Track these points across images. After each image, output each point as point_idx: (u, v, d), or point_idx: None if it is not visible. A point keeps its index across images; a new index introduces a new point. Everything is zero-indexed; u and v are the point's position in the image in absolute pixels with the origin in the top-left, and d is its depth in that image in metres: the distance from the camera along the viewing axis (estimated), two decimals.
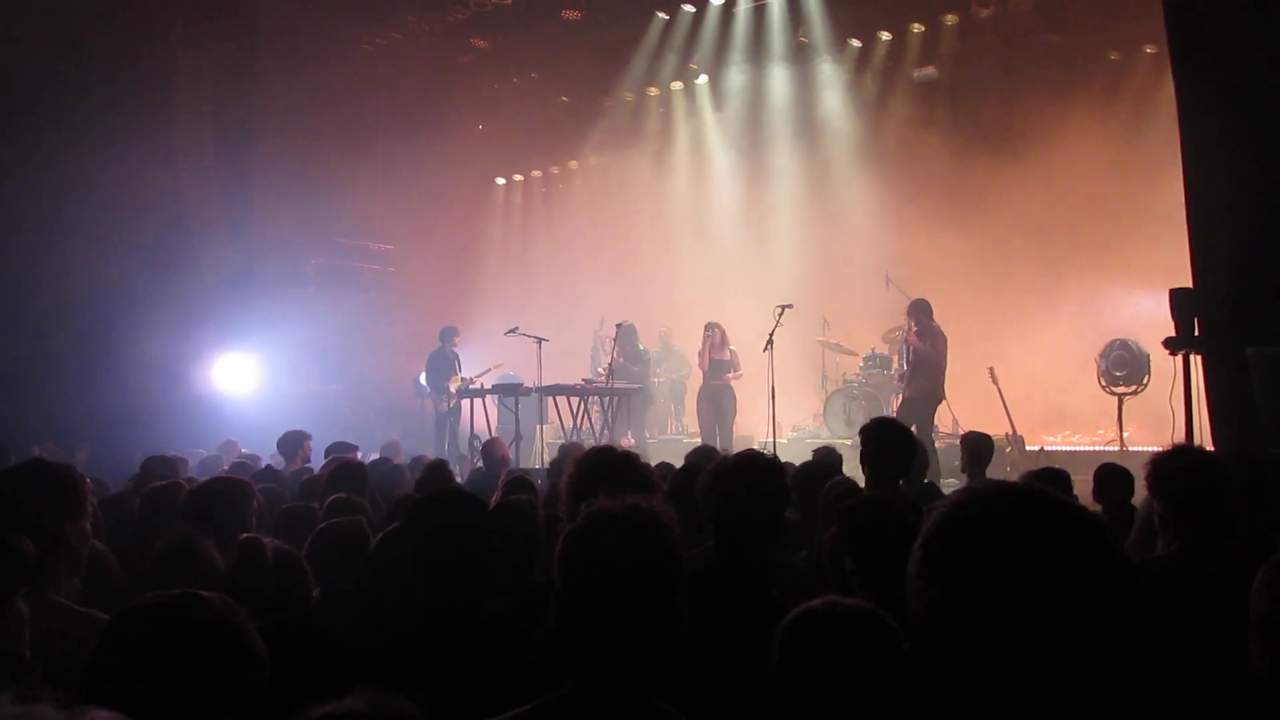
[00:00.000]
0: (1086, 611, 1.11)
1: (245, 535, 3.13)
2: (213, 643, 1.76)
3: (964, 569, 1.15)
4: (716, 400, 12.55)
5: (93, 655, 1.77)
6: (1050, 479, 4.95)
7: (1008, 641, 1.11)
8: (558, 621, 1.85)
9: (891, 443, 4.55)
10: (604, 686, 1.82)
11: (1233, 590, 3.00)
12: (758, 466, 2.99)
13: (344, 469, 5.47)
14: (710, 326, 12.78)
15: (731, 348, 12.77)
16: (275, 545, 3.11)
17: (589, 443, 11.29)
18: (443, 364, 14.11)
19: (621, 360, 13.26)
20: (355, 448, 8.32)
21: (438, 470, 5.56)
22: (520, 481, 4.98)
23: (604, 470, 3.06)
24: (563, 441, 10.36)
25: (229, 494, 3.80)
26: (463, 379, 13.80)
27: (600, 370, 13.68)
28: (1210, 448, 6.57)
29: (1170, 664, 2.40)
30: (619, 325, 13.48)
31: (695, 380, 13.60)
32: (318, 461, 7.88)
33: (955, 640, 1.15)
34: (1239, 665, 2.04)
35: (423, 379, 16.39)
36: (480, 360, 14.17)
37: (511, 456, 11.03)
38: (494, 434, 11.76)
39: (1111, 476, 5.23)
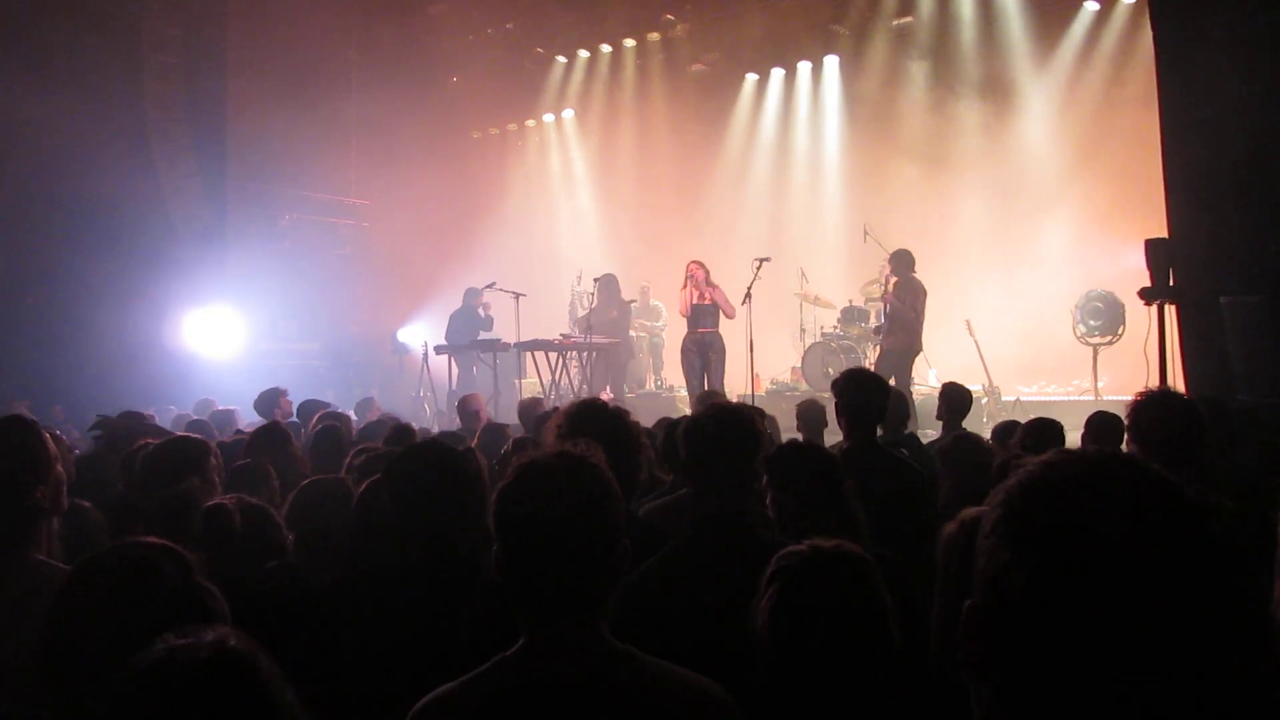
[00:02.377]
0: (1187, 611, 0.99)
1: (210, 503, 3.10)
2: (173, 595, 1.76)
3: (1048, 534, 1.02)
4: (703, 350, 11.39)
5: (54, 601, 1.77)
6: (1042, 429, 4.96)
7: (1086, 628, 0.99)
8: (500, 577, 1.84)
9: (865, 393, 4.57)
10: (558, 637, 1.82)
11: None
12: (732, 415, 3.00)
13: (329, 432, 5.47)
14: (695, 265, 11.60)
15: (714, 285, 11.57)
16: (243, 504, 3.09)
17: (568, 398, 11.30)
18: (472, 322, 13.98)
19: (614, 315, 13.19)
20: (328, 405, 8.27)
21: (403, 434, 5.54)
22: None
23: (593, 423, 3.06)
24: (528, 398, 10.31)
25: (185, 454, 3.73)
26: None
27: (576, 322, 13.63)
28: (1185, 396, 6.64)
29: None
30: (597, 279, 13.42)
31: (674, 331, 13.41)
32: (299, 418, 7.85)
33: (1019, 614, 1.02)
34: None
35: (400, 335, 16.36)
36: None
37: (491, 413, 11.07)
38: (471, 390, 11.74)
39: (1104, 425, 5.28)
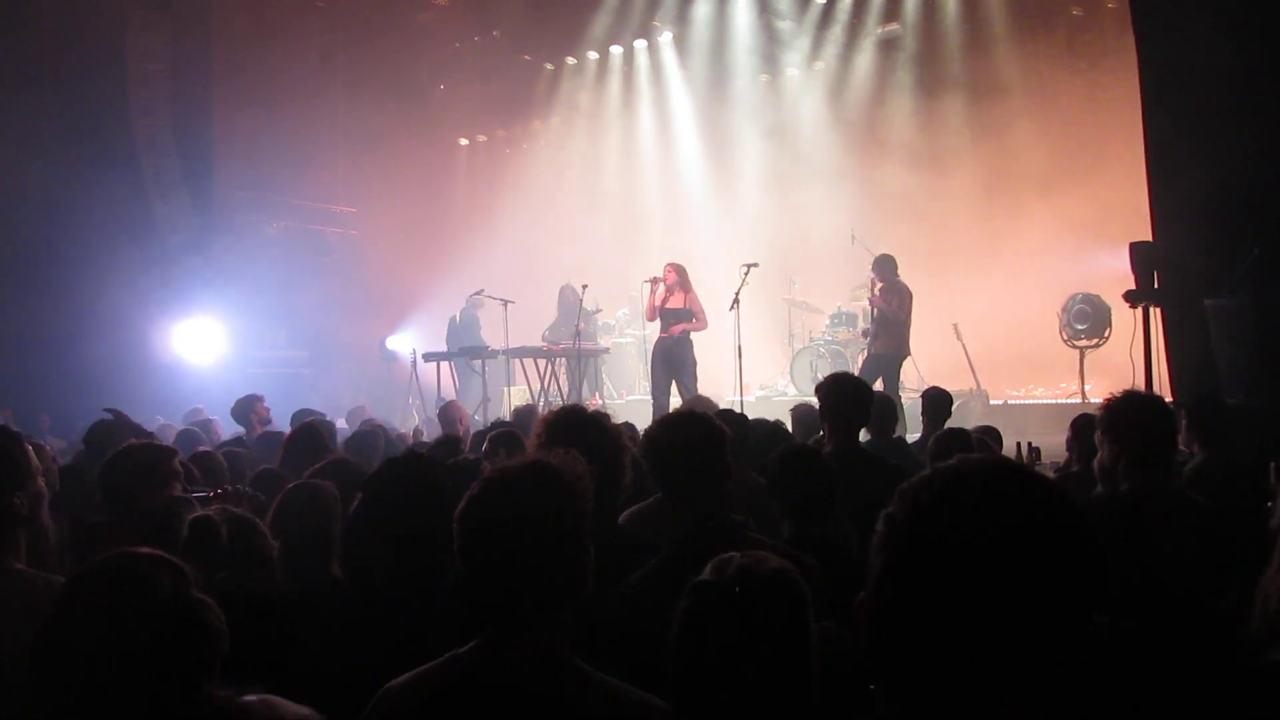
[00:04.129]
0: (1058, 601, 1.06)
1: (195, 515, 3.09)
2: (169, 608, 1.76)
3: (912, 542, 1.11)
4: (668, 356, 10.85)
5: (47, 616, 1.76)
6: (948, 439, 5.01)
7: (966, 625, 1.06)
8: (461, 583, 1.86)
9: (848, 397, 4.60)
10: (509, 643, 1.84)
11: (1180, 528, 3.09)
12: (685, 420, 3.03)
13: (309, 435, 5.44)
14: (669, 267, 11.12)
15: (688, 290, 11.07)
16: (228, 514, 3.08)
17: (556, 405, 11.28)
18: (475, 330, 13.99)
19: (582, 326, 13.12)
20: (321, 414, 8.26)
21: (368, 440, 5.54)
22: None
23: (572, 430, 3.06)
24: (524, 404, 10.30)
25: (145, 464, 3.67)
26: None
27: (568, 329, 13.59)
28: (1170, 399, 6.68)
29: (1116, 602, 2.44)
30: (561, 288, 13.40)
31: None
32: (280, 425, 7.83)
33: (912, 630, 1.09)
34: (1180, 602, 2.09)
35: (388, 343, 16.34)
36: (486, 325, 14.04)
37: (479, 419, 11.07)
38: (457, 398, 11.74)
39: (1087, 427, 5.30)
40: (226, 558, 2.91)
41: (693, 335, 11.01)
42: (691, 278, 11.21)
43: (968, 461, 1.16)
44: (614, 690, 1.86)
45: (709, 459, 2.91)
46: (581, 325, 12.61)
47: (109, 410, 6.28)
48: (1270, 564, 1.78)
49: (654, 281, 11.17)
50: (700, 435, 2.95)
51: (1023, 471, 1.14)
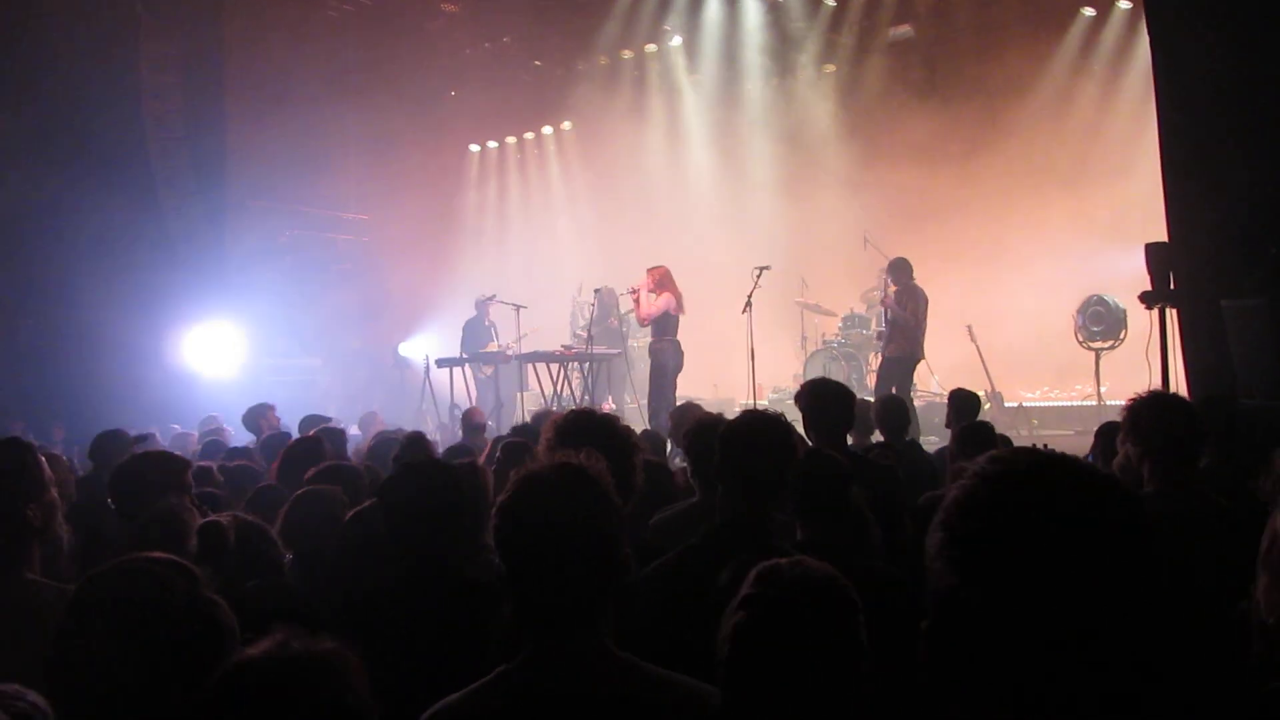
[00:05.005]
0: (1122, 598, 1.04)
1: (204, 520, 3.10)
2: (183, 609, 1.76)
3: (988, 553, 1.06)
4: (652, 362, 11.01)
5: (62, 622, 1.76)
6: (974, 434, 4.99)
7: (1036, 634, 1.04)
8: (506, 590, 1.85)
9: (827, 400, 4.56)
10: (560, 648, 1.83)
11: (1205, 531, 3.06)
12: (765, 425, 2.99)
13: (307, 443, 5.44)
14: (648, 273, 11.00)
15: (665, 291, 10.87)
16: (238, 521, 3.08)
17: (571, 407, 11.26)
18: (480, 332, 14.05)
19: (614, 323, 13.18)
20: (329, 420, 8.27)
21: (416, 442, 5.52)
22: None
23: (582, 432, 3.05)
24: (541, 408, 10.33)
25: (152, 472, 3.67)
26: (499, 346, 13.61)
27: (579, 332, 13.62)
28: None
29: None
30: (597, 290, 13.41)
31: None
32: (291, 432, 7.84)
33: (978, 629, 1.07)
34: (1210, 605, 2.06)
35: (401, 349, 16.38)
36: (503, 329, 14.06)
37: (493, 425, 11.08)
38: (473, 403, 11.74)
39: (1112, 434, 5.26)
40: (235, 564, 2.92)
41: (679, 338, 11.01)
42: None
43: (1023, 459, 1.13)
44: (672, 682, 1.87)
45: (777, 466, 2.88)
46: (614, 322, 12.71)
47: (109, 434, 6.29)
48: (1260, 575, 1.71)
49: (634, 292, 11.15)
50: (784, 443, 2.92)
51: (1077, 461, 1.12)
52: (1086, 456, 5.29)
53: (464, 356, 13.54)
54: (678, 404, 10.73)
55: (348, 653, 1.55)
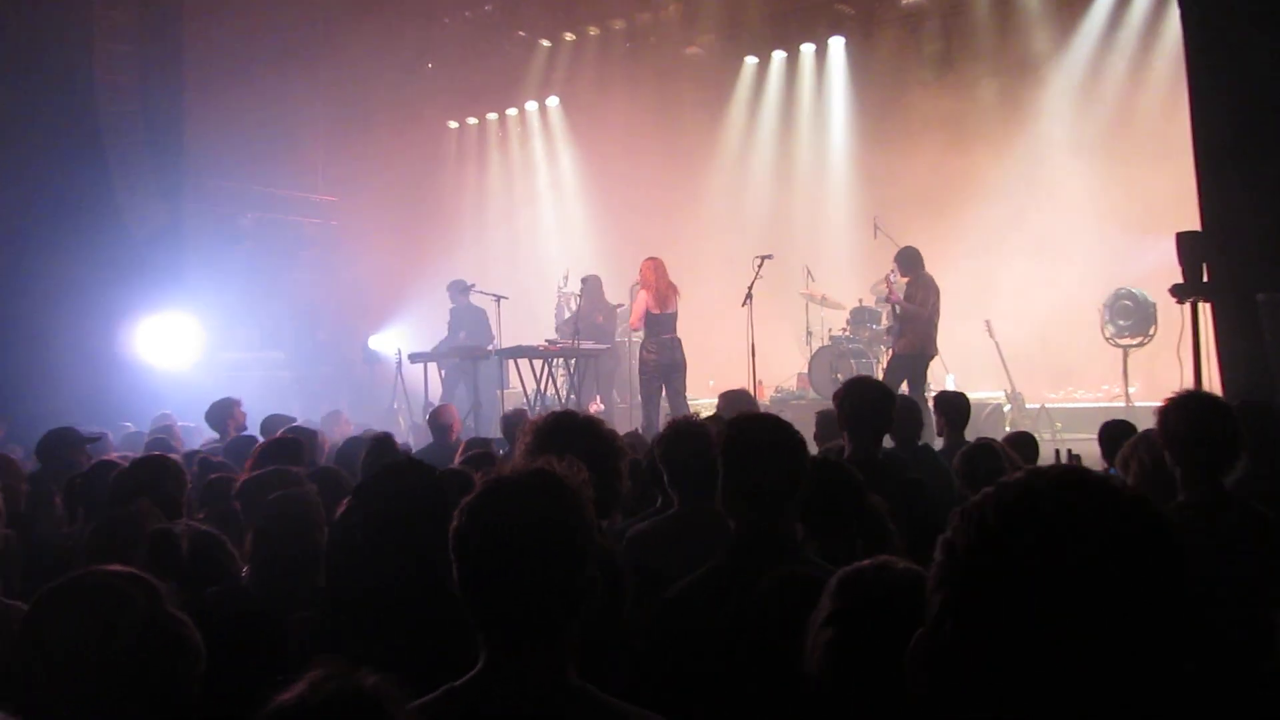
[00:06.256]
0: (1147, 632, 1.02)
1: (155, 527, 3.11)
2: (145, 625, 1.76)
3: (993, 591, 1.04)
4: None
5: (19, 631, 1.77)
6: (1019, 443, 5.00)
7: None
8: (461, 600, 1.86)
9: (870, 402, 4.59)
10: (511, 667, 1.83)
11: (1243, 545, 3.08)
12: (775, 430, 2.95)
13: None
14: (653, 268, 11.04)
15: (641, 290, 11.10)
16: (193, 530, 3.10)
17: (555, 408, 11.26)
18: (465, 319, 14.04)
19: (600, 320, 13.16)
20: (293, 419, 8.27)
21: (383, 444, 5.49)
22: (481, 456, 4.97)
23: (562, 436, 3.06)
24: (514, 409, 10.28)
25: (158, 476, 3.71)
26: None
27: (561, 326, 13.58)
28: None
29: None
30: (584, 279, 13.42)
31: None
32: (252, 432, 7.85)
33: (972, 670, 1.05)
34: (1242, 615, 2.08)
35: (372, 343, 16.35)
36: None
37: (470, 426, 11.07)
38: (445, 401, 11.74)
39: (1119, 434, 5.27)
40: (187, 573, 2.93)
41: (679, 335, 11.10)
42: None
43: (1039, 473, 1.10)
44: (625, 714, 1.87)
45: (792, 474, 2.85)
46: (600, 318, 12.68)
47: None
48: None
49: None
50: (796, 446, 2.89)
51: (1105, 482, 1.09)
52: (1108, 469, 5.31)
53: (443, 351, 13.48)
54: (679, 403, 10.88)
55: (392, 687, 1.56)
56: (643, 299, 11.04)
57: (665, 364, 10.98)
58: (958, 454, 5.21)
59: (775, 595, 2.18)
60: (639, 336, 11.58)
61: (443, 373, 13.69)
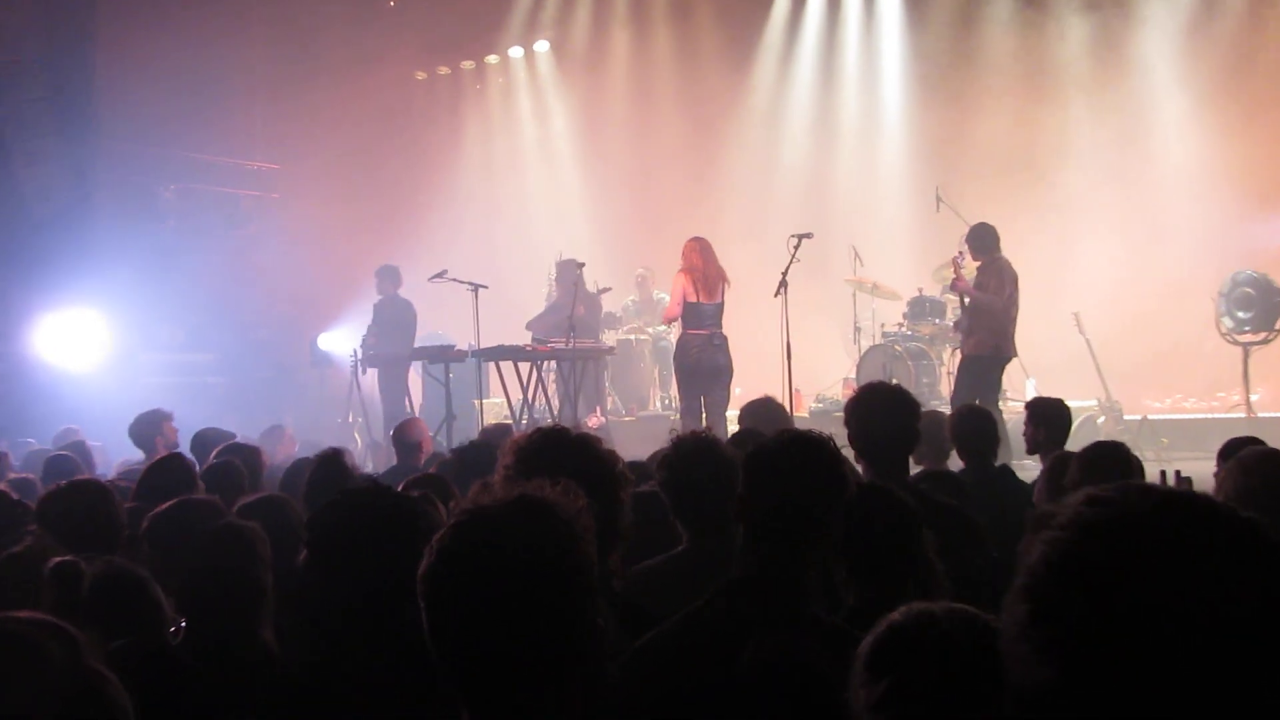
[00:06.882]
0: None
1: (56, 560, 3.12)
2: (62, 680, 1.79)
3: (1095, 635, 1.04)
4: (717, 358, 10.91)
5: None
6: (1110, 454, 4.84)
7: None
8: (432, 652, 1.83)
9: (880, 416, 4.42)
10: None
11: None
12: (806, 450, 2.93)
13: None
14: (698, 249, 10.94)
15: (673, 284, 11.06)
16: (110, 567, 3.09)
17: (544, 422, 11.22)
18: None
19: (581, 312, 13.08)
20: (232, 435, 8.25)
21: (331, 463, 5.43)
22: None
23: (551, 457, 3.04)
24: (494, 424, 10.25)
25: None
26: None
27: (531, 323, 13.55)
28: None
29: None
30: (558, 263, 13.37)
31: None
32: (184, 448, 7.84)
33: None
34: None
35: (321, 342, 16.33)
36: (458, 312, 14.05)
37: (442, 443, 11.03)
38: (416, 414, 11.72)
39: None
40: (87, 614, 2.93)
41: (723, 329, 11.04)
42: (725, 254, 11.13)
43: (1132, 492, 1.10)
44: None
45: (824, 506, 2.85)
46: (581, 310, 12.57)
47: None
48: None
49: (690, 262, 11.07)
50: (832, 475, 2.89)
51: (1234, 513, 1.09)
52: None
53: (407, 353, 13.49)
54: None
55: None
56: (680, 284, 10.85)
57: (707, 367, 10.79)
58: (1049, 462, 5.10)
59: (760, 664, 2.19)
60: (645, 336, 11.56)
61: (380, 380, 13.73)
